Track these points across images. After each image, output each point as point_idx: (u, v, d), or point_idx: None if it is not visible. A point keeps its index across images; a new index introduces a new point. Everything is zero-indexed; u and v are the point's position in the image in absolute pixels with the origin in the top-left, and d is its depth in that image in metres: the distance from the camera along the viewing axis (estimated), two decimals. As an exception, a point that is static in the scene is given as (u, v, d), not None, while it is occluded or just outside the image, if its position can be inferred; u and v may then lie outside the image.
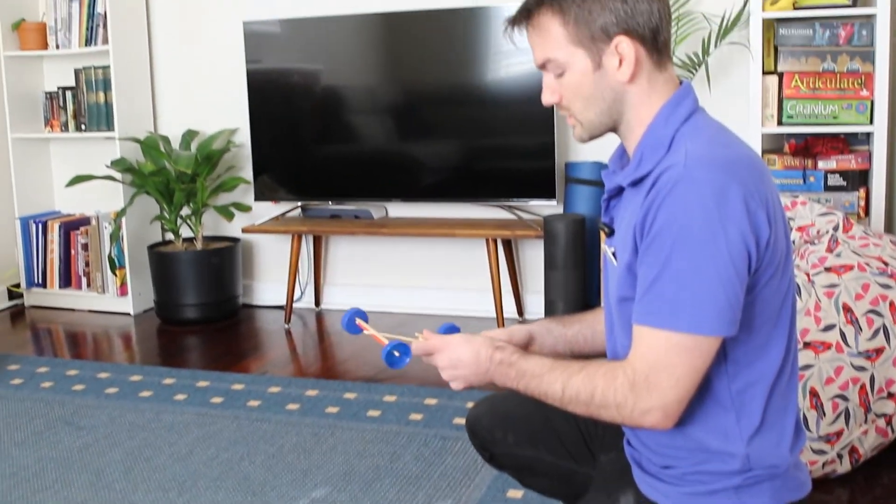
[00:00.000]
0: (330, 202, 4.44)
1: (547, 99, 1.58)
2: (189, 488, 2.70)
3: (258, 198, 4.51)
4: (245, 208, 4.56)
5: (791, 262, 1.52)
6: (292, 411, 3.25)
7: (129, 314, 4.68)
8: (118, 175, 4.52)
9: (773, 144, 3.78)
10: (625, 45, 1.49)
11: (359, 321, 1.85)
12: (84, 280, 4.80)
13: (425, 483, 2.66)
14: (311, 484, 2.69)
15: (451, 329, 1.77)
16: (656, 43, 1.51)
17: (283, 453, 2.91)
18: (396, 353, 1.74)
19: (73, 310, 4.80)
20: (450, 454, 2.85)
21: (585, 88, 1.53)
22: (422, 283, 4.49)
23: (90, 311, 4.76)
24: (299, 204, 4.52)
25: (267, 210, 4.59)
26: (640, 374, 1.43)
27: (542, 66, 1.57)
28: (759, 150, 3.62)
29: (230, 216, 4.49)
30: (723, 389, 1.49)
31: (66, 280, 4.85)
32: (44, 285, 4.87)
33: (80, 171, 4.57)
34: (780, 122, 3.62)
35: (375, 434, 3.02)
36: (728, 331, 1.40)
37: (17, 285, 4.93)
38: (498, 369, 1.59)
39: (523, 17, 1.56)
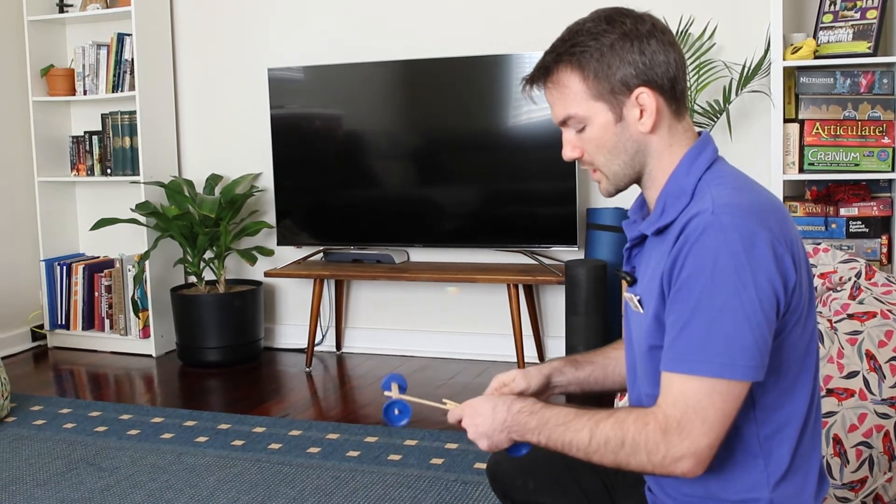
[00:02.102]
0: (352, 247, 4.47)
1: (568, 154, 1.59)
2: (210, 531, 2.70)
3: (281, 242, 4.55)
4: (268, 252, 4.59)
5: (814, 306, 1.52)
6: (313, 454, 3.26)
7: (151, 356, 4.70)
8: (142, 218, 4.56)
9: (795, 191, 3.79)
10: (645, 97, 1.51)
11: (393, 385, 1.79)
12: (107, 322, 4.83)
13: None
14: (332, 527, 2.69)
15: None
16: (674, 92, 1.53)
17: (304, 497, 2.91)
18: (397, 411, 1.73)
19: (95, 351, 4.83)
20: (470, 499, 2.84)
21: (608, 141, 1.53)
22: (443, 328, 4.50)
23: (112, 353, 4.79)
24: (321, 248, 4.55)
25: (289, 254, 4.62)
26: (673, 419, 1.41)
27: (563, 123, 1.57)
28: (781, 197, 3.63)
29: (253, 260, 4.52)
30: (751, 436, 1.48)
31: (90, 322, 4.89)
32: (67, 327, 4.90)
33: (105, 215, 4.62)
34: (801, 170, 3.63)
35: (396, 478, 3.02)
36: (757, 375, 1.40)
37: (41, 326, 4.97)
38: (517, 418, 1.57)
39: (542, 74, 1.57)
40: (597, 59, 1.50)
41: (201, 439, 3.45)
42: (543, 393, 1.81)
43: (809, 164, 3.60)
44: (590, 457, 1.50)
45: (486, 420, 1.60)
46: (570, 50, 1.52)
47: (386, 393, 1.76)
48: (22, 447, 3.42)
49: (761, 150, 3.86)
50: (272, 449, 3.32)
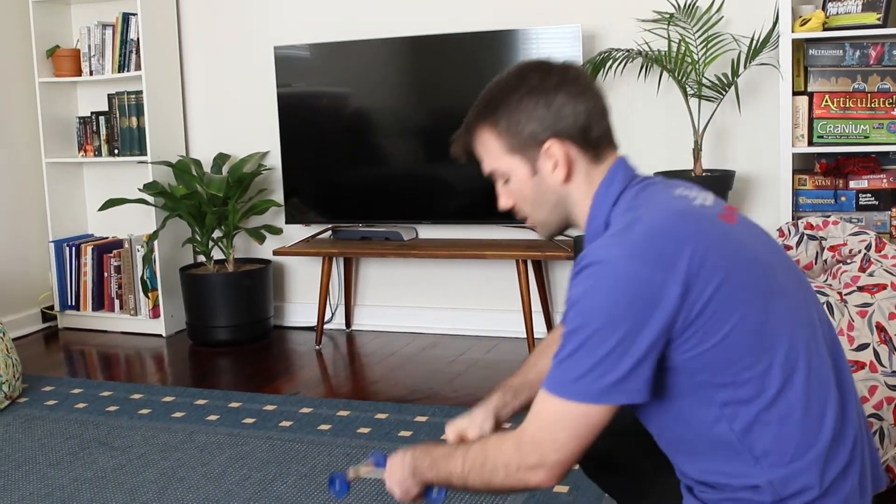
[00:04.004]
0: (360, 224, 4.46)
1: (502, 204, 1.68)
2: (222, 508, 2.71)
3: (289, 220, 4.55)
4: (276, 231, 4.59)
5: (777, 290, 1.51)
6: (324, 432, 3.27)
7: (161, 336, 4.72)
8: (150, 198, 4.57)
9: (804, 164, 3.78)
10: (555, 149, 1.58)
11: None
12: (117, 302, 4.85)
13: (456, 502, 2.66)
14: (344, 504, 2.70)
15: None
16: (588, 140, 1.59)
17: (315, 473, 2.92)
18: (338, 484, 1.92)
19: (105, 332, 4.85)
20: (481, 474, 2.84)
21: (529, 193, 1.63)
22: (452, 304, 4.50)
23: (122, 333, 4.81)
24: (330, 226, 4.55)
25: (298, 232, 4.63)
26: (527, 433, 1.51)
27: (490, 176, 1.67)
28: (789, 170, 3.62)
29: (261, 239, 4.52)
30: (726, 433, 1.49)
31: (99, 302, 4.90)
32: (77, 308, 4.92)
33: (113, 195, 4.62)
34: (810, 143, 3.61)
35: (407, 454, 3.02)
36: (619, 400, 1.45)
37: (51, 307, 4.98)
38: (416, 461, 1.71)
39: (464, 133, 1.68)
40: (507, 116, 1.60)
41: (212, 417, 3.46)
42: (499, 429, 1.91)
43: (819, 137, 3.59)
44: (465, 482, 1.62)
45: (397, 469, 1.75)
46: (484, 108, 1.63)
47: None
48: (34, 427, 3.44)
49: (770, 123, 3.85)
50: (283, 426, 3.33)
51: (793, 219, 3.59)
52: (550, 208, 1.64)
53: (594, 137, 1.60)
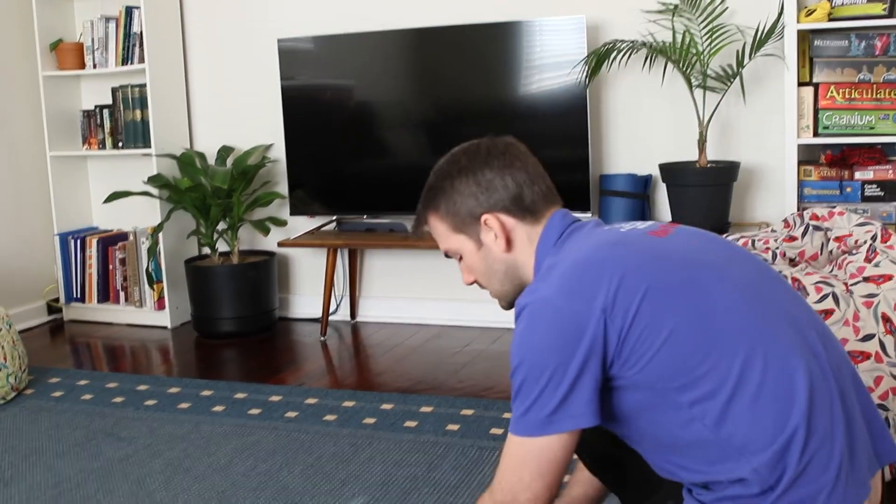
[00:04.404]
0: (365, 216, 4.47)
1: (464, 280, 1.83)
2: (228, 498, 2.72)
3: (294, 212, 4.55)
4: (281, 223, 4.60)
5: (718, 285, 1.56)
6: (330, 422, 3.27)
7: (166, 328, 4.73)
8: (155, 191, 4.57)
9: (810, 155, 3.77)
10: (491, 221, 1.71)
11: None
12: (122, 294, 4.85)
13: (463, 492, 2.67)
14: (350, 493, 2.71)
15: None
16: (522, 206, 1.72)
17: (322, 463, 2.93)
18: None
19: (111, 324, 4.86)
20: (487, 464, 2.85)
21: (479, 266, 1.76)
22: (456, 296, 4.50)
23: (128, 325, 4.82)
24: (334, 218, 4.55)
25: (302, 224, 4.63)
26: (497, 479, 1.61)
27: (447, 255, 1.81)
28: (794, 161, 3.62)
29: (266, 230, 4.53)
30: (701, 431, 1.51)
31: (105, 295, 4.91)
32: (82, 300, 4.93)
33: (118, 188, 4.62)
34: (815, 133, 3.61)
35: (413, 444, 3.03)
36: (562, 427, 1.52)
37: (56, 300, 4.99)
38: None
39: (418, 223, 1.83)
40: (444, 201, 1.74)
41: (218, 409, 3.47)
42: None
43: (824, 128, 3.59)
44: None
45: None
46: (426, 198, 1.79)
47: None
48: (41, 419, 3.45)
49: (775, 114, 3.85)
50: (289, 417, 3.34)
51: (798, 210, 3.58)
52: (501, 277, 1.76)
53: (528, 203, 1.72)
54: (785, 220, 3.36)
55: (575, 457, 1.97)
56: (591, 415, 1.54)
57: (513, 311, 1.74)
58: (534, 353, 1.54)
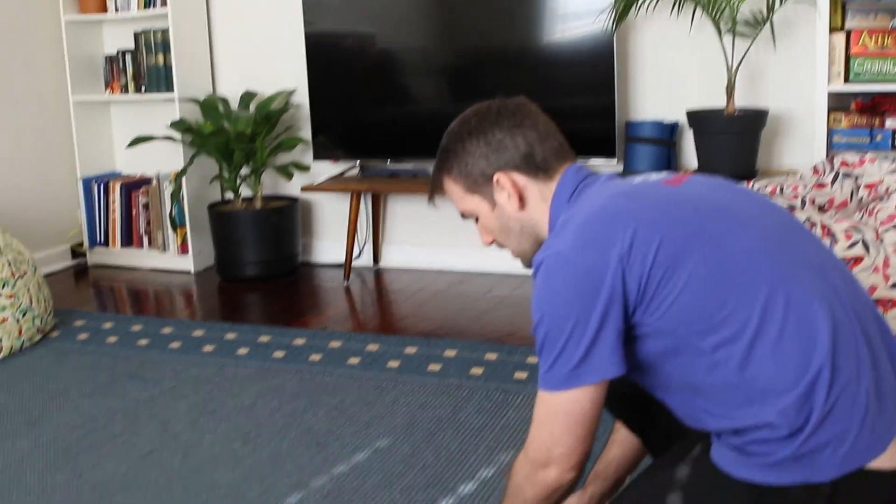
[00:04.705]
0: (388, 161, 4.45)
1: (484, 240, 1.83)
2: (253, 439, 2.74)
3: (317, 157, 4.53)
4: (304, 168, 4.58)
5: (735, 229, 1.54)
6: (353, 365, 3.28)
7: (189, 272, 4.74)
8: (178, 136, 4.56)
9: (840, 103, 3.72)
10: (503, 180, 1.71)
11: None
12: (145, 239, 4.87)
13: (487, 434, 2.68)
14: (374, 435, 2.72)
15: None
16: (533, 164, 1.72)
17: (346, 405, 2.94)
18: None
19: (135, 268, 4.88)
20: (511, 407, 2.86)
21: (495, 226, 1.77)
22: (479, 243, 4.47)
23: (152, 270, 4.83)
24: (358, 163, 4.53)
25: (325, 169, 4.62)
26: (529, 438, 1.62)
27: (464, 217, 1.81)
28: (824, 109, 3.57)
29: (289, 175, 4.52)
30: (726, 376, 1.50)
31: (128, 239, 4.92)
32: (106, 244, 4.94)
33: (141, 133, 4.62)
34: (846, 80, 3.56)
35: (436, 387, 3.04)
36: (588, 380, 1.53)
37: (80, 244, 5.01)
38: None
39: (433, 187, 1.85)
40: (457, 162, 1.74)
41: (242, 351, 3.48)
42: None
43: (855, 75, 3.53)
44: None
45: None
46: (439, 161, 1.79)
47: None
48: (67, 360, 3.47)
49: (806, 61, 3.79)
50: (313, 360, 3.35)
51: (827, 158, 3.54)
52: (518, 236, 1.76)
53: (539, 161, 1.72)
54: (814, 167, 3.32)
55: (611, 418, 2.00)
56: (616, 365, 1.54)
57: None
58: (554, 307, 1.54)
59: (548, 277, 1.56)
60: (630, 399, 1.88)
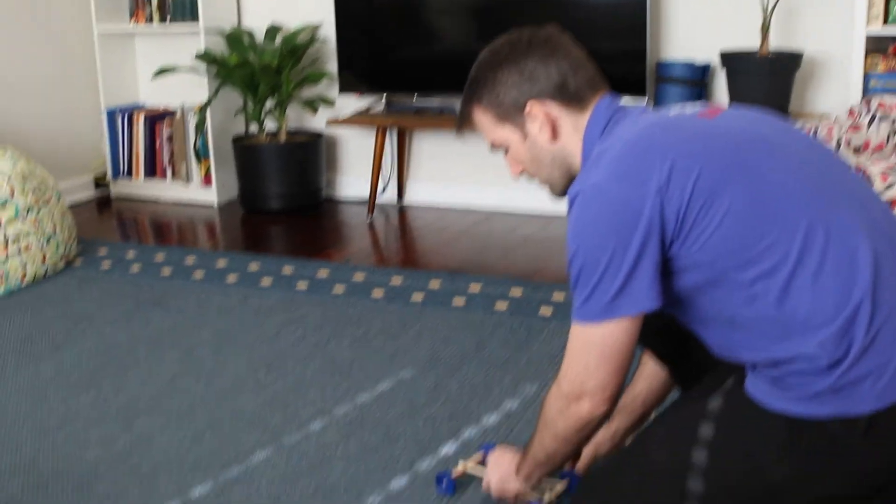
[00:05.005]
0: (415, 96, 4.39)
1: (513, 172, 1.79)
2: (277, 367, 2.73)
3: (342, 90, 4.48)
4: (329, 102, 4.54)
5: (773, 160, 1.52)
6: (377, 298, 3.27)
7: (212, 205, 4.72)
8: (203, 67, 4.51)
9: (878, 46, 3.63)
10: (535, 110, 1.67)
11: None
12: (169, 171, 4.85)
13: (512, 368, 2.66)
14: (398, 366, 2.71)
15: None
16: (567, 94, 1.67)
17: (370, 337, 2.93)
18: (444, 483, 2.03)
19: (157, 200, 4.86)
20: (536, 342, 2.84)
21: (526, 157, 1.73)
22: (506, 181, 4.44)
23: (174, 202, 4.82)
24: (384, 98, 4.48)
25: (351, 105, 4.57)
26: (563, 371, 1.62)
27: (493, 148, 1.77)
28: (862, 52, 3.50)
29: (314, 108, 4.48)
30: (765, 309, 1.47)
31: (151, 171, 4.91)
32: (129, 176, 4.93)
33: (165, 64, 4.58)
34: (885, 23, 3.48)
35: (461, 321, 3.02)
36: (624, 312, 1.51)
37: (104, 175, 5.00)
38: (518, 459, 1.84)
39: (462, 118, 1.79)
40: (487, 91, 1.71)
41: (265, 282, 3.47)
42: None
43: (895, 18, 3.45)
44: (546, 451, 1.73)
45: (500, 464, 1.89)
46: (469, 90, 1.75)
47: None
48: (90, 288, 3.47)
49: (843, 2, 3.70)
50: (336, 292, 3.34)
51: (863, 101, 3.47)
52: (549, 166, 1.72)
53: (572, 91, 1.67)
54: (850, 110, 3.26)
55: (640, 352, 1.96)
56: (653, 298, 1.52)
57: (562, 198, 1.74)
58: (590, 239, 1.52)
59: (584, 209, 1.53)
60: (662, 331, 1.85)
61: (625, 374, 1.58)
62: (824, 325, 1.44)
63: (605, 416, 1.62)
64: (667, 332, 1.86)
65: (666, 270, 1.53)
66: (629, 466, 1.69)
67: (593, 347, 1.55)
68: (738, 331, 1.54)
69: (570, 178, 1.70)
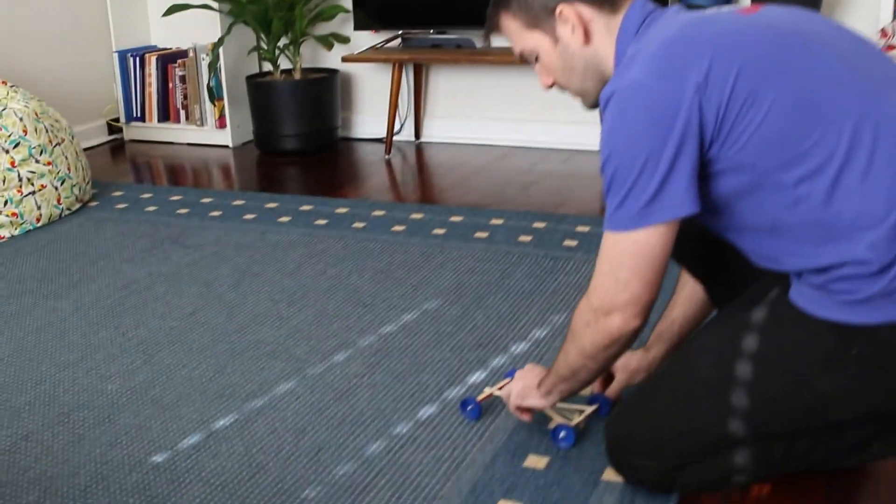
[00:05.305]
0: (431, 31, 4.30)
1: (542, 83, 1.71)
2: (299, 299, 2.68)
3: (357, 27, 4.39)
4: (344, 39, 4.44)
5: (818, 56, 1.44)
6: (398, 232, 3.21)
7: (227, 146, 4.66)
8: (215, 4, 4.42)
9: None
10: (567, 12, 1.60)
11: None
12: (182, 113, 4.78)
13: (539, 298, 2.60)
14: (422, 297, 2.65)
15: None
16: None
17: (392, 268, 2.87)
18: (470, 408, 1.98)
19: (172, 143, 4.80)
20: (562, 273, 2.78)
21: (557, 64, 1.65)
22: (526, 115, 4.36)
23: (189, 145, 4.75)
24: (399, 33, 4.39)
25: (366, 41, 4.48)
26: (593, 284, 1.55)
27: (523, 59, 1.71)
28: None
29: (329, 45, 4.38)
30: (811, 211, 1.41)
31: (165, 114, 4.83)
32: (142, 119, 4.86)
33: (176, 2, 4.49)
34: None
35: (485, 253, 2.96)
36: (661, 217, 1.44)
37: (117, 120, 4.93)
38: (544, 374, 1.77)
39: (490, 26, 1.73)
40: None
41: (284, 219, 3.41)
42: None
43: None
44: (571, 368, 1.65)
45: (525, 376, 1.82)
46: None
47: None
48: (107, 228, 3.42)
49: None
50: (356, 227, 3.28)
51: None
52: (581, 74, 1.64)
53: None
54: (882, 30, 3.17)
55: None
56: (690, 203, 1.45)
57: (595, 108, 1.66)
58: (625, 140, 1.45)
59: (618, 109, 1.46)
60: (698, 243, 1.79)
61: (658, 287, 1.52)
62: (874, 225, 1.38)
63: (637, 333, 1.55)
64: (702, 246, 1.79)
65: (703, 175, 1.46)
66: (670, 383, 1.64)
67: (626, 257, 1.48)
68: (781, 237, 1.47)
69: (603, 85, 1.61)
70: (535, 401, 1.78)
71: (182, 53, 4.78)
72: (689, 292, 1.94)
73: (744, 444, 1.54)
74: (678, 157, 1.42)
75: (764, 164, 1.42)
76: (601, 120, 1.51)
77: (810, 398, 1.47)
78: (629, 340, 1.57)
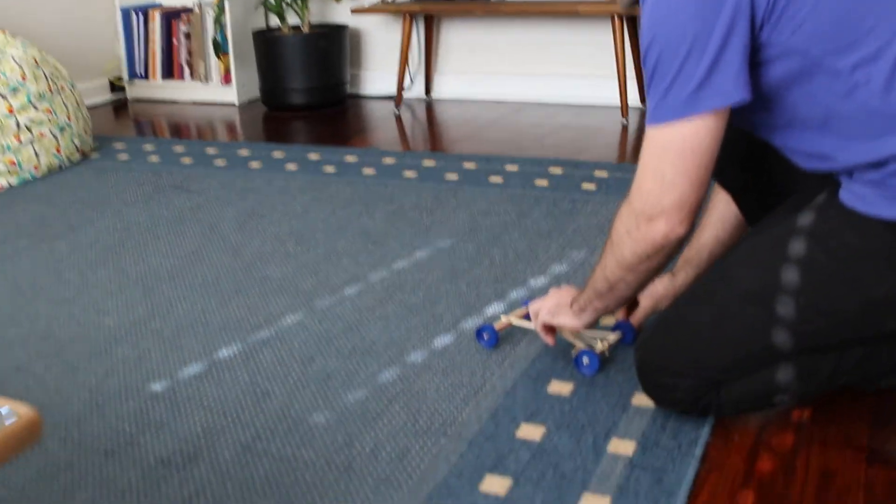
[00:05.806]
0: (443, -18, 4.18)
1: None
2: (307, 239, 2.57)
3: (367, -21, 4.28)
4: (353, -8, 4.33)
5: None
6: (410, 178, 3.09)
7: (233, 104, 4.54)
8: (221, -43, 4.31)
9: None
10: None
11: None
12: (187, 70, 4.66)
13: (558, 236, 2.49)
14: (436, 236, 2.54)
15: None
16: None
17: (405, 210, 2.76)
18: (486, 336, 1.87)
19: (176, 101, 4.68)
20: (581, 214, 2.65)
21: None
22: (539, 70, 4.23)
23: (193, 102, 4.63)
24: (410, -14, 4.27)
25: (375, -5, 4.37)
26: (635, 187, 1.42)
27: None
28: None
29: (338, -3, 4.26)
30: (867, 99, 1.30)
31: (169, 71, 4.71)
32: (146, 77, 4.74)
33: (182, -45, 4.38)
34: None
35: (500, 196, 2.84)
36: (709, 105, 1.31)
37: (119, 78, 4.81)
38: (575, 292, 1.67)
39: None
40: None
41: (291, 167, 3.30)
42: None
43: None
44: (608, 281, 1.53)
45: (558, 295, 1.72)
46: None
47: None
48: (108, 177, 3.31)
49: None
50: (366, 174, 3.16)
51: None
52: None
53: None
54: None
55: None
56: (740, 88, 1.32)
57: (632, 7, 1.55)
58: (669, 22, 1.32)
59: None
60: (739, 149, 1.66)
61: (705, 190, 1.40)
62: None
63: (681, 242, 1.43)
64: (744, 153, 1.67)
65: (753, 62, 1.34)
66: (708, 294, 1.51)
67: (671, 153, 1.36)
68: (833, 131, 1.35)
69: None
70: (567, 319, 1.67)
71: (187, 9, 4.65)
72: (720, 214, 1.82)
73: (788, 359, 1.43)
74: (728, 39, 1.30)
75: (818, 49, 1.30)
76: (642, 5, 1.39)
77: (864, 304, 1.36)
78: (673, 250, 1.44)
